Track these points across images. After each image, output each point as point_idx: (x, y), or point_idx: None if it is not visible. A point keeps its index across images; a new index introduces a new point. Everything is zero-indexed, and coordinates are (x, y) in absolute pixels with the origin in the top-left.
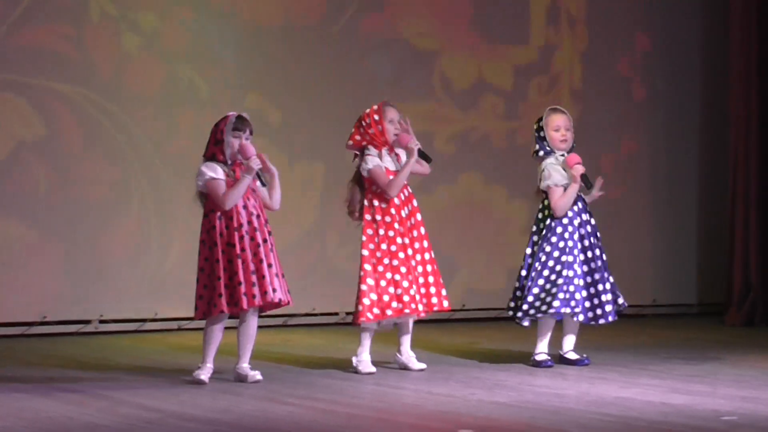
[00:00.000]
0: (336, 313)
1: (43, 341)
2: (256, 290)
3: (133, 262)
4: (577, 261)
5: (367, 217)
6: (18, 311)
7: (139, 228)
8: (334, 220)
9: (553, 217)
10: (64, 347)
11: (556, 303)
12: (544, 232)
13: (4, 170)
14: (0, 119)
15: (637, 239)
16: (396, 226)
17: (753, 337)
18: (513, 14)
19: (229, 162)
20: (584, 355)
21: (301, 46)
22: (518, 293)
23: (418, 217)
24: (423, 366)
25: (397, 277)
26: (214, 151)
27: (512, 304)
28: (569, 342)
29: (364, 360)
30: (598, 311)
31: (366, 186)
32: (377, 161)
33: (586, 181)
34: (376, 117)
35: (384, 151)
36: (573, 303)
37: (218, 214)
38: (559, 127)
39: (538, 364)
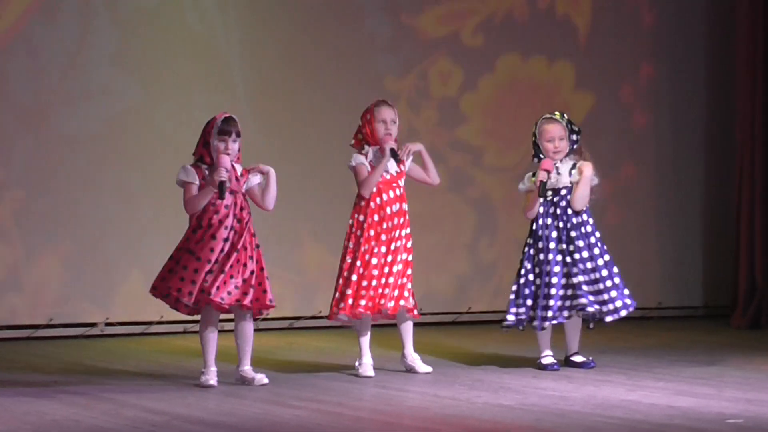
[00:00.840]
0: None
1: (48, 344)
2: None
3: (139, 265)
4: (554, 261)
5: (355, 214)
6: (24, 314)
7: (145, 230)
8: (339, 223)
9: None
10: (69, 350)
11: (547, 314)
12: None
13: None
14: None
15: (642, 242)
16: (378, 227)
17: (759, 340)
18: None
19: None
20: (590, 358)
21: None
22: (528, 301)
23: (402, 220)
24: (429, 369)
25: (371, 275)
26: (202, 153)
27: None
28: (574, 344)
29: (364, 363)
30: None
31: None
32: (361, 159)
33: (542, 189)
34: (368, 116)
35: (374, 150)
36: (551, 312)
37: (197, 217)
38: (552, 138)
39: (544, 367)
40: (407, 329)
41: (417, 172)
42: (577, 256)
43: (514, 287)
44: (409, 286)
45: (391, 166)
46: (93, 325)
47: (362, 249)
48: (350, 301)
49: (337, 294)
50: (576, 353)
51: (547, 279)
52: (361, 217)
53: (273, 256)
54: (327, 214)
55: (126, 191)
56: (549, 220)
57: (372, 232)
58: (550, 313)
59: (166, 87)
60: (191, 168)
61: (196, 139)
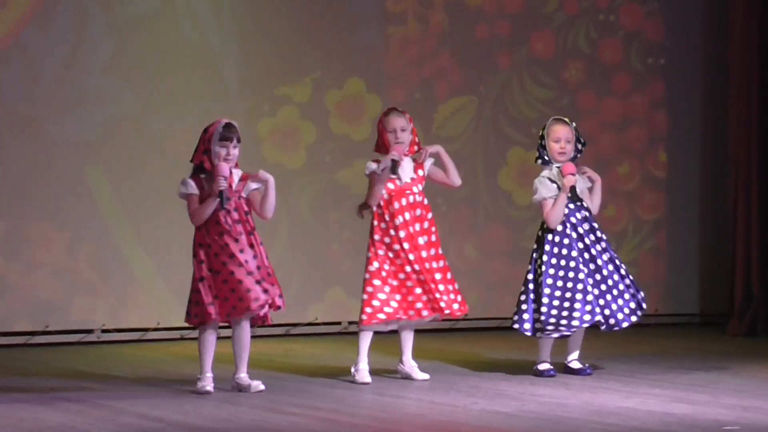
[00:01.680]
0: (338, 323)
1: (45, 351)
2: (218, 305)
3: (135, 272)
4: (580, 265)
5: (374, 222)
6: (20, 321)
7: (141, 237)
8: (337, 230)
9: (547, 230)
10: (65, 357)
11: (576, 314)
12: (539, 245)
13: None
14: None
15: (639, 250)
16: (392, 232)
17: (755, 347)
18: None
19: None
20: (587, 365)
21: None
22: (530, 308)
23: (425, 225)
24: (426, 376)
25: (395, 282)
26: (201, 159)
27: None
28: (573, 351)
29: (361, 369)
30: (610, 318)
31: None
32: (372, 167)
33: (574, 194)
34: (380, 126)
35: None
36: (589, 312)
37: (200, 228)
38: (559, 138)
39: (541, 374)
40: (408, 337)
41: (438, 175)
42: (599, 261)
43: (576, 294)
44: (441, 288)
45: (404, 174)
46: (89, 331)
47: (381, 254)
48: (377, 305)
49: (366, 303)
50: (574, 360)
51: (605, 272)
52: (383, 225)
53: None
54: (325, 221)
55: (121, 198)
56: (568, 230)
57: (387, 240)
58: (620, 315)
59: (160, 94)
60: (190, 180)
61: (191, 145)
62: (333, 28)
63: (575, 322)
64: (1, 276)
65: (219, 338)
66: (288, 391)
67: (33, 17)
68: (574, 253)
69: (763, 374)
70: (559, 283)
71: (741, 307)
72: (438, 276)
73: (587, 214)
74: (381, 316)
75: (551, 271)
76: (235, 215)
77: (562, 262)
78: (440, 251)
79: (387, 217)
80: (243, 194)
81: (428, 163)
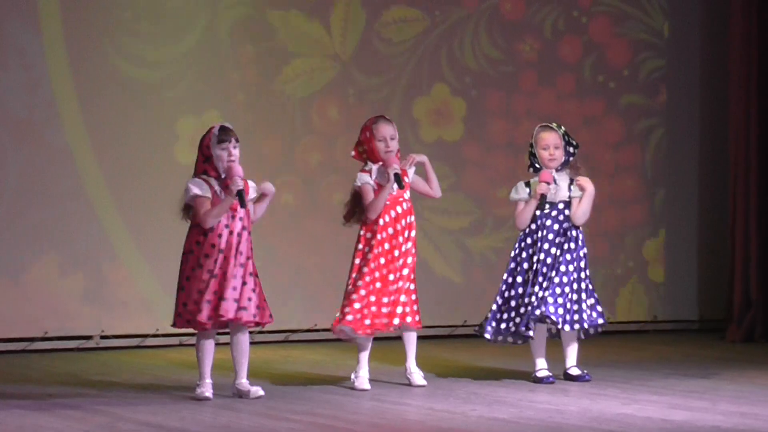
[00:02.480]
0: None
1: (43, 357)
2: (212, 308)
3: (134, 278)
4: (528, 274)
5: (362, 230)
6: (19, 327)
7: (140, 243)
8: (335, 236)
9: (520, 233)
10: (64, 363)
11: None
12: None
13: None
14: None
15: (638, 256)
16: (386, 245)
17: (753, 354)
18: None
19: (223, 175)
20: (585, 371)
21: None
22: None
23: (408, 233)
24: (423, 383)
25: (382, 292)
26: (205, 168)
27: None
28: (572, 357)
29: (360, 376)
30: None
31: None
32: (366, 179)
33: (542, 201)
34: (368, 134)
35: (377, 168)
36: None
37: (200, 229)
38: (548, 146)
39: (540, 381)
40: (410, 339)
41: (420, 185)
42: (563, 268)
43: (499, 299)
44: (414, 297)
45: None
46: (88, 337)
47: (371, 266)
48: (358, 316)
49: (347, 308)
50: (573, 366)
51: (532, 288)
52: (369, 234)
53: (268, 268)
54: (324, 228)
55: (121, 204)
56: (544, 232)
57: (380, 249)
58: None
59: (161, 98)
60: (201, 180)
61: (193, 148)
62: None
63: (522, 330)
64: (0, 281)
65: (218, 344)
66: (287, 398)
67: (31, 21)
68: (529, 262)
69: (761, 381)
70: (503, 288)
71: (740, 313)
72: (411, 287)
73: (564, 223)
74: (368, 330)
75: (505, 275)
76: (243, 223)
77: (517, 268)
78: (411, 261)
79: (375, 228)
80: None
81: (411, 171)
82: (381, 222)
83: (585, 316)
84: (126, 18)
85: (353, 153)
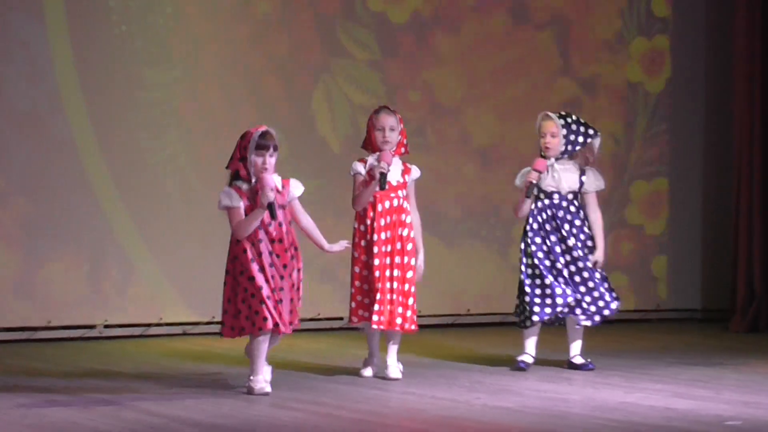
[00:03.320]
0: (341, 318)
1: (47, 346)
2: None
3: (138, 267)
4: (538, 261)
5: (355, 223)
6: (22, 316)
7: (144, 233)
8: (339, 225)
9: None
10: (68, 352)
11: (536, 309)
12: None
13: None
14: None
15: (641, 245)
16: (369, 236)
17: (757, 343)
18: None
19: (253, 180)
20: (588, 360)
21: None
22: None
23: (403, 232)
24: (398, 376)
25: (365, 287)
26: (237, 167)
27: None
28: (576, 347)
29: (367, 365)
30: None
31: None
32: (358, 168)
33: (530, 189)
34: (370, 123)
35: (374, 157)
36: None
37: (237, 240)
38: (545, 133)
39: (514, 363)
40: (393, 336)
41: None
42: (570, 257)
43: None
44: (410, 302)
45: (394, 177)
46: (92, 327)
47: (363, 258)
48: (352, 304)
49: (353, 303)
50: (577, 355)
51: (542, 279)
52: (362, 227)
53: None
54: (326, 217)
55: (125, 194)
56: (547, 226)
57: (363, 243)
58: (548, 310)
59: (167, 90)
60: (233, 191)
61: (194, 141)
62: None
63: (535, 317)
64: (3, 271)
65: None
66: (290, 387)
67: (35, 14)
68: (533, 248)
69: (765, 370)
70: (521, 277)
71: (743, 303)
72: (405, 287)
73: (559, 212)
74: (374, 326)
75: (523, 268)
76: (281, 229)
77: (526, 259)
78: (411, 261)
79: (367, 221)
80: (286, 201)
81: (416, 173)
82: (371, 214)
83: (602, 304)
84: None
85: (362, 144)
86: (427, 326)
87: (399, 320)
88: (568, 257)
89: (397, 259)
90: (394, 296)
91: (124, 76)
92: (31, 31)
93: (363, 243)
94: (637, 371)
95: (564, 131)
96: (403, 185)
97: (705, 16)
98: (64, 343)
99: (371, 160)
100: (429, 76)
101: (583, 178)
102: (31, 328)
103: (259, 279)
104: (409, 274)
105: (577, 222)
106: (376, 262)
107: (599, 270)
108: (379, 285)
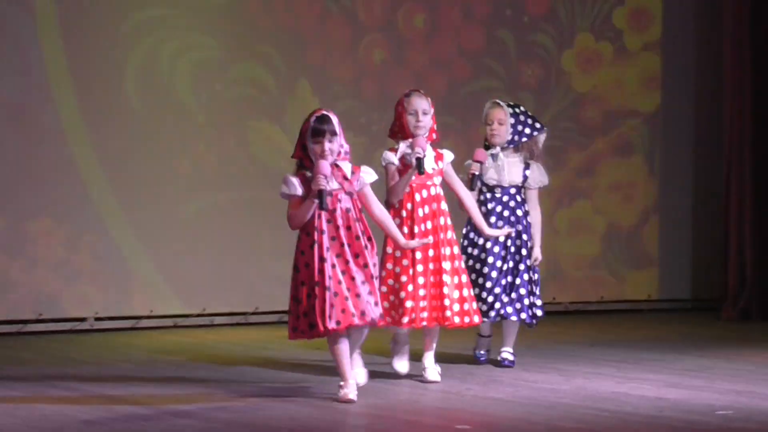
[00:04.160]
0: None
1: (38, 339)
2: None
3: (128, 259)
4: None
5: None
6: (13, 309)
7: (134, 225)
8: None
9: None
10: (59, 345)
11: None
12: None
13: None
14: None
15: (632, 235)
16: (408, 229)
17: (748, 332)
18: None
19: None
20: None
21: None
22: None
23: (441, 221)
24: (437, 379)
25: (397, 286)
26: (301, 156)
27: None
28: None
29: (397, 362)
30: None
31: None
32: (390, 158)
33: (473, 182)
34: (400, 108)
35: (406, 144)
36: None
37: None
38: (492, 121)
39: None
40: (431, 332)
41: (451, 178)
42: (518, 258)
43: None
44: (466, 293)
45: (428, 164)
46: (82, 319)
47: (396, 254)
48: (385, 304)
49: (385, 303)
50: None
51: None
52: (397, 220)
53: (268, 248)
54: None
55: (114, 186)
56: (492, 219)
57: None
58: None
59: (156, 80)
60: (294, 178)
61: (184, 131)
62: None
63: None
64: None
65: (212, 326)
66: (282, 378)
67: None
68: (464, 243)
69: (756, 359)
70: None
71: (734, 292)
72: (447, 279)
73: (514, 209)
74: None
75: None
76: (348, 215)
77: (470, 252)
78: (456, 250)
79: (404, 213)
80: (356, 189)
81: (449, 157)
82: (409, 206)
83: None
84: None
85: (390, 132)
86: None
87: (448, 314)
88: (520, 265)
89: (447, 251)
90: (443, 290)
91: (113, 64)
92: (21, 22)
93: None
94: (629, 361)
95: (512, 120)
96: (439, 172)
97: (695, 7)
98: (55, 336)
99: (403, 147)
100: None
101: (527, 172)
102: (22, 321)
103: (320, 276)
104: (456, 264)
105: (525, 221)
106: (418, 255)
107: (534, 272)
108: (422, 280)
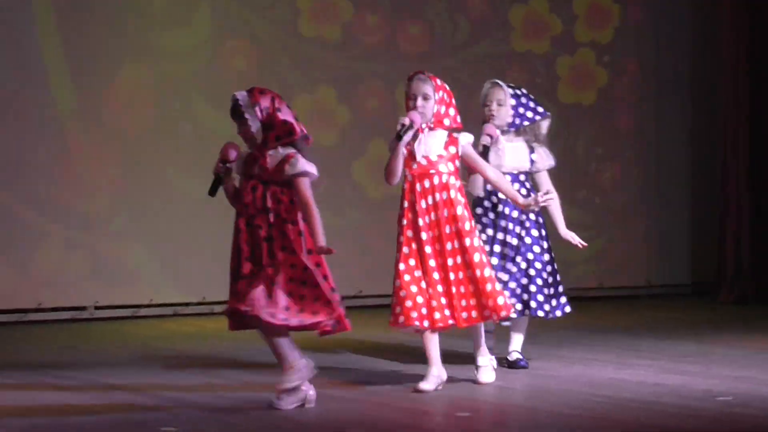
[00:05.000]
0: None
1: (38, 328)
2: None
3: (128, 248)
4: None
5: (403, 203)
6: (13, 298)
7: (134, 215)
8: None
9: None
10: (59, 334)
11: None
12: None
13: None
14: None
15: (630, 221)
16: (414, 224)
17: (746, 317)
18: None
19: None
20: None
21: None
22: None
23: (445, 213)
24: (488, 380)
25: (413, 287)
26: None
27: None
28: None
29: (431, 375)
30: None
31: None
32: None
33: (486, 154)
34: (405, 91)
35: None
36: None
37: None
38: (491, 101)
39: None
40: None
41: (473, 159)
42: (533, 253)
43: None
44: (489, 288)
45: (433, 150)
46: (83, 308)
47: (404, 250)
48: (397, 310)
49: (406, 303)
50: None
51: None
52: (400, 211)
53: None
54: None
55: (111, 175)
56: (505, 208)
57: (410, 233)
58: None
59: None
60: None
61: (182, 121)
62: None
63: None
64: None
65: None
66: (277, 370)
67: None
68: (493, 235)
69: (754, 344)
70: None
71: (732, 277)
72: (461, 275)
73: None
74: (413, 316)
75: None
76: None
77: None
78: (475, 241)
79: (406, 204)
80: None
81: (466, 139)
82: (410, 197)
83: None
84: None
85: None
86: None
87: (474, 313)
88: (533, 252)
89: (449, 246)
90: (463, 288)
91: (110, 58)
92: (17, 11)
93: (409, 233)
94: (627, 347)
95: (513, 101)
96: (451, 158)
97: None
98: (55, 325)
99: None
100: None
101: (533, 156)
102: (22, 311)
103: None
104: (476, 257)
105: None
106: (428, 249)
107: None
108: (437, 275)
